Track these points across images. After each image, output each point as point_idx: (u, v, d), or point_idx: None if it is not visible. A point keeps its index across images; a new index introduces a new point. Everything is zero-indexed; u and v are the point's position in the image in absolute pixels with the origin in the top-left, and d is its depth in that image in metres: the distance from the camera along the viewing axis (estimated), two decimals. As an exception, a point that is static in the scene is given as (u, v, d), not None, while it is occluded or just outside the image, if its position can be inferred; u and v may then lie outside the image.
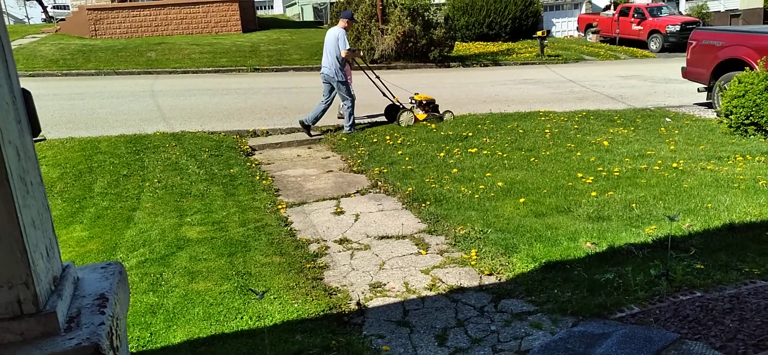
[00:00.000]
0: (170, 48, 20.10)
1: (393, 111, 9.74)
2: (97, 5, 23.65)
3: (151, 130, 8.97)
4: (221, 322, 3.53)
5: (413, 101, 9.80)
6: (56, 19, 29.35)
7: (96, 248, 4.72)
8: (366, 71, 9.92)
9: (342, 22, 9.12)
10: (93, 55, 18.68)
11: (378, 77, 9.72)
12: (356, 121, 9.35)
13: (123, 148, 7.91)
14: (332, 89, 9.04)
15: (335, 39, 8.85)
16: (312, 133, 9.16)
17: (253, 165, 7.48)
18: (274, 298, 3.80)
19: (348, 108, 9.06)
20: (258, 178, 6.81)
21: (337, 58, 8.82)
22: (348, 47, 8.87)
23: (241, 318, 3.56)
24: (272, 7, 63.11)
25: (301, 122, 9.08)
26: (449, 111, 9.86)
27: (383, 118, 9.89)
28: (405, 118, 9.44)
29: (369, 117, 9.80)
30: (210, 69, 17.41)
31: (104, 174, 6.83)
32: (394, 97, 9.69)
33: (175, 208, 5.70)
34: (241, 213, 5.51)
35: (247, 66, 17.82)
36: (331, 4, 35.10)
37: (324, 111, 9.10)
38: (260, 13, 45.71)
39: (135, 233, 5.04)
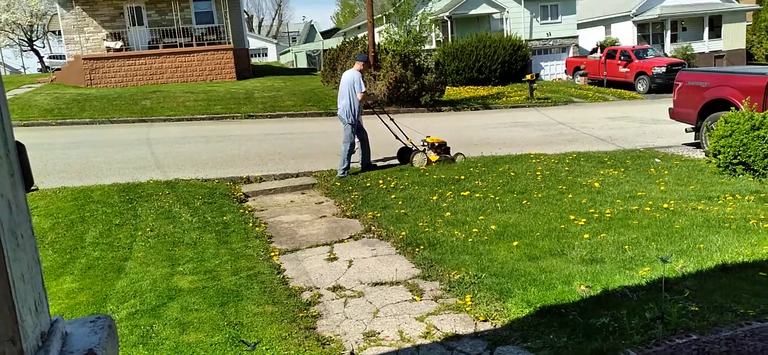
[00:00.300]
0: (165, 96, 20.26)
1: (406, 153, 9.99)
2: (93, 55, 23.92)
3: (145, 179, 8.97)
4: (213, 374, 3.47)
5: (425, 143, 10.01)
6: (52, 68, 29.62)
7: (86, 300, 4.67)
8: (380, 115, 10.25)
9: (357, 65, 9.38)
10: (88, 104, 18.79)
11: (393, 119, 10.09)
12: (372, 162, 9.61)
13: (116, 197, 7.89)
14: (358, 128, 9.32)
15: (351, 82, 9.12)
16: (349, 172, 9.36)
17: (247, 212, 7.47)
18: (266, 349, 3.75)
19: (345, 151, 9.19)
20: (251, 225, 6.79)
21: (351, 101, 9.09)
22: (364, 90, 9.18)
23: (233, 370, 3.51)
24: (266, 55, 63.99)
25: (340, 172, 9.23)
26: (460, 153, 10.10)
27: (396, 161, 10.15)
28: (418, 159, 9.65)
29: (383, 160, 10.06)
30: (204, 116, 17.53)
31: (96, 224, 6.80)
32: (408, 139, 9.99)
33: (167, 257, 5.66)
34: (233, 261, 5.48)
35: (241, 113, 17.95)
36: (325, 51, 35.62)
37: (352, 151, 9.36)
38: (254, 60, 46.32)
39: (126, 283, 5.00)
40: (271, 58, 62.60)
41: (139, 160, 10.81)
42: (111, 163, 10.56)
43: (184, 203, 7.59)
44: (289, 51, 56.15)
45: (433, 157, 9.76)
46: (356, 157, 9.66)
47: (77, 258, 5.69)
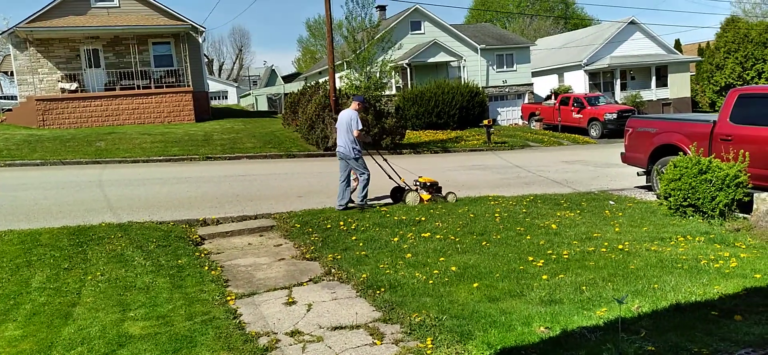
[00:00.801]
0: (120, 137, 19.84)
1: (398, 192, 10.26)
2: (46, 95, 23.34)
3: (97, 221, 8.68)
4: (164, 425, 3.31)
5: (418, 183, 10.30)
6: (3, 109, 28.69)
7: (29, 348, 4.42)
8: (374, 156, 10.53)
9: (354, 105, 9.78)
10: (39, 146, 18.22)
11: (386, 160, 10.44)
12: (366, 202, 9.69)
13: (65, 240, 7.60)
14: (347, 166, 9.68)
15: (349, 120, 9.52)
16: (350, 206, 9.69)
17: (202, 255, 7.29)
18: (222, 396, 3.61)
19: (364, 181, 9.59)
20: (207, 268, 6.62)
21: (349, 138, 9.48)
22: (360, 128, 9.55)
23: (186, 420, 3.35)
24: (226, 98, 63.72)
25: (340, 206, 9.59)
26: (452, 192, 10.35)
27: (389, 200, 10.34)
28: (411, 197, 9.88)
29: (376, 199, 10.27)
30: (161, 158, 17.20)
31: (43, 268, 6.51)
32: (400, 178, 10.31)
33: (118, 302, 5.45)
34: (187, 306, 5.30)
35: (199, 155, 17.70)
36: (286, 94, 35.67)
37: (346, 188, 9.71)
38: (214, 102, 46.04)
39: (73, 330, 4.77)
40: (232, 101, 62.34)
41: (91, 203, 10.48)
42: (61, 206, 10.20)
43: (138, 246, 7.36)
44: (249, 94, 56.06)
45: (426, 196, 10.01)
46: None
47: (22, 304, 5.41)
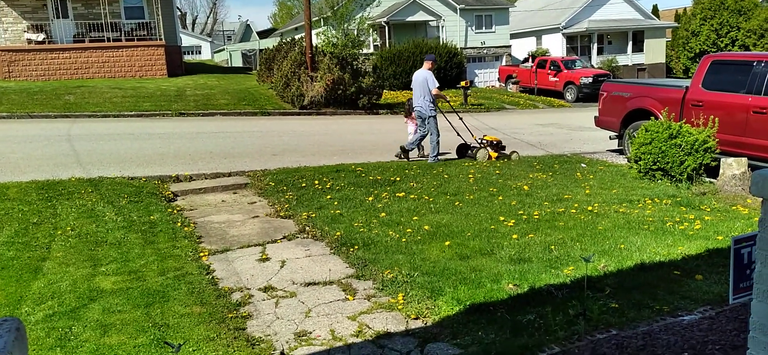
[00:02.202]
0: (90, 91, 19.36)
1: (464, 149, 10.85)
2: (12, 47, 22.56)
3: (66, 176, 8.52)
4: (135, 377, 3.33)
5: (483, 141, 10.72)
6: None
7: (-3, 302, 4.38)
8: (447, 114, 10.98)
9: (427, 64, 10.14)
10: (5, 98, 17.69)
11: (461, 119, 11.03)
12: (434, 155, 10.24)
13: (34, 194, 7.46)
14: (422, 123, 10.20)
15: (424, 80, 9.96)
16: (409, 157, 10.43)
17: (175, 211, 7.23)
18: (194, 350, 3.64)
19: (434, 140, 10.11)
20: (179, 224, 6.58)
21: (427, 98, 9.92)
22: (437, 85, 10.05)
23: (158, 372, 3.38)
24: (200, 53, 62.36)
25: (402, 148, 10.43)
26: (515, 151, 10.83)
27: (453, 156, 10.93)
28: (482, 154, 10.42)
29: (441, 155, 10.63)
30: (132, 113, 16.86)
31: (11, 222, 6.40)
32: (473, 136, 10.90)
33: (89, 257, 5.40)
34: (160, 261, 5.29)
35: (172, 110, 17.39)
36: (261, 51, 35.08)
37: (421, 138, 10.41)
38: (187, 57, 45.03)
39: (43, 284, 4.73)
40: (205, 56, 61.06)
41: (60, 157, 10.27)
42: (29, 160, 9.98)
43: (108, 202, 7.27)
44: (223, 50, 54.98)
45: (493, 153, 10.48)
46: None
47: (-12, 258, 5.33)
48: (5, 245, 5.68)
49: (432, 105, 9.99)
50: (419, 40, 28.89)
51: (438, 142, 10.20)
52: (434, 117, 10.04)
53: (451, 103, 11.34)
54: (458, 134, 10.83)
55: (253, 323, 4.11)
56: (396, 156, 10.57)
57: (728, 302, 3.29)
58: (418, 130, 10.36)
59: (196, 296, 4.50)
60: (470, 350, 3.63)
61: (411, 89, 10.59)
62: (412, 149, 10.44)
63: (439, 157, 10.30)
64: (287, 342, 3.82)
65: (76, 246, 5.70)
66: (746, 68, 8.89)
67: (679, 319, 4.02)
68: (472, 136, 10.90)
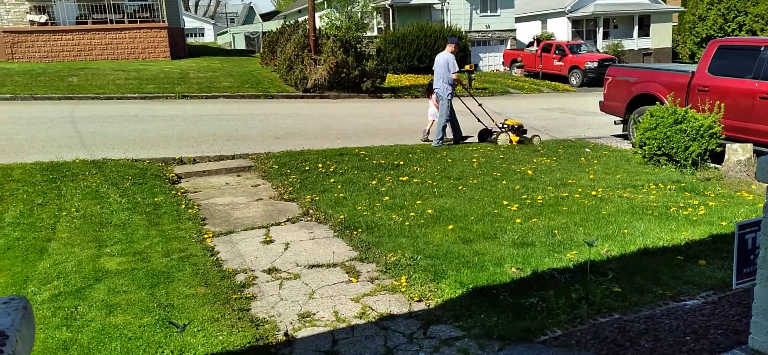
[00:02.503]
0: (93, 73, 19.33)
1: (486, 134, 10.88)
2: (15, 27, 22.51)
3: (70, 158, 8.54)
4: (140, 357, 3.36)
5: (505, 126, 10.69)
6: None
7: (4, 282, 4.41)
8: (462, 99, 11.10)
9: (450, 47, 10.25)
10: (9, 79, 17.68)
11: (481, 105, 11.06)
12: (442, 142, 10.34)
13: (38, 176, 7.49)
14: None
15: (445, 62, 10.06)
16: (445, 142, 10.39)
17: (179, 193, 7.25)
18: (198, 330, 3.66)
19: (443, 123, 10.18)
20: (184, 206, 6.60)
21: (446, 80, 10.02)
22: (457, 70, 10.17)
23: (162, 352, 3.41)
24: (203, 35, 62.17)
25: (427, 138, 10.60)
26: (537, 135, 10.84)
27: (475, 140, 10.95)
28: (502, 139, 10.42)
29: (463, 139, 10.83)
30: (136, 95, 16.84)
31: (16, 203, 6.43)
32: (493, 121, 10.91)
33: (94, 238, 5.43)
34: (164, 243, 5.31)
35: (175, 93, 17.36)
36: (264, 33, 34.95)
37: (448, 121, 10.36)
38: (190, 40, 44.89)
39: (49, 264, 4.76)
40: (208, 38, 60.87)
41: (64, 139, 10.29)
42: (33, 141, 10.00)
43: (113, 184, 7.29)
44: (226, 32, 54.74)
45: (515, 137, 10.45)
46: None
47: (-6, 239, 5.36)
48: (11, 226, 5.72)
49: (450, 88, 10.06)
50: (423, 23, 28.72)
51: (444, 127, 10.23)
52: (449, 101, 10.09)
53: (468, 89, 11.33)
54: (478, 120, 10.92)
55: (257, 304, 4.14)
56: (422, 140, 10.76)
57: (731, 287, 3.29)
58: (438, 118, 10.44)
59: (201, 278, 4.52)
60: (473, 333, 3.65)
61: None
62: (441, 138, 10.33)
63: (443, 142, 10.31)
64: (291, 323, 3.84)
65: (81, 227, 5.73)
66: (753, 53, 8.82)
67: (682, 304, 4.03)
68: (493, 121, 10.92)
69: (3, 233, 5.51)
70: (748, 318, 2.83)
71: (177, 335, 3.56)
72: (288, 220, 6.22)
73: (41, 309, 3.92)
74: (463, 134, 10.74)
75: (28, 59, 22.10)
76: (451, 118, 10.38)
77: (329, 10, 25.91)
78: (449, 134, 10.50)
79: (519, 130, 10.72)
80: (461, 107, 10.75)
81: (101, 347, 3.46)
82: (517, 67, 30.96)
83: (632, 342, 3.50)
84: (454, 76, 10.04)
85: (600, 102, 11.94)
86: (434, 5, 32.52)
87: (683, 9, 40.19)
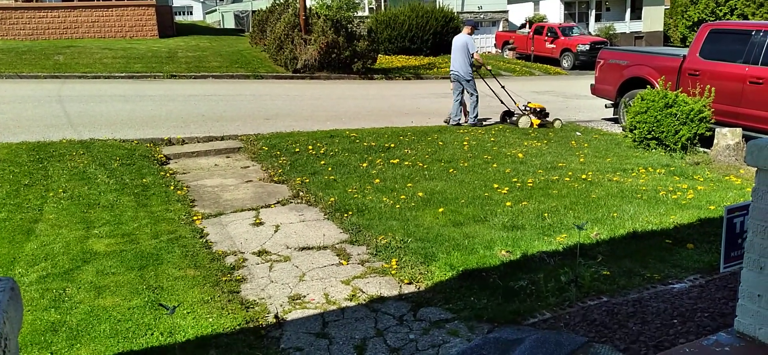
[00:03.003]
0: (80, 52, 19.08)
1: (508, 116, 10.98)
2: (-1, 4, 22.13)
3: (57, 138, 8.44)
4: (130, 339, 3.35)
5: (527, 108, 10.80)
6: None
7: (-10, 263, 4.37)
8: (488, 79, 11.33)
9: (467, 29, 10.65)
10: (-8, 57, 17.42)
11: (504, 87, 11.14)
12: (477, 120, 10.65)
13: (25, 156, 7.40)
14: (460, 87, 10.48)
15: (464, 44, 10.36)
16: (462, 123, 10.63)
17: (168, 174, 7.19)
18: (188, 313, 3.65)
19: (474, 102, 10.51)
20: (172, 188, 6.55)
21: (466, 62, 10.33)
22: (476, 50, 10.47)
23: (152, 334, 3.40)
24: (192, 14, 61.48)
25: (446, 122, 10.67)
26: (559, 119, 10.84)
27: (495, 121, 11.16)
28: (523, 121, 10.51)
29: (484, 120, 11.06)
30: (123, 75, 16.65)
31: (3, 183, 6.35)
32: (515, 103, 11.00)
33: (82, 219, 5.38)
34: (153, 224, 5.27)
35: (163, 72, 17.18)
36: (254, 12, 34.59)
37: (459, 107, 10.58)
38: (179, 18, 44.38)
39: (36, 246, 4.71)
40: (197, 17, 60.18)
41: (51, 118, 10.16)
42: (19, 120, 9.87)
43: (100, 164, 7.22)
44: (215, 10, 54.09)
45: (536, 120, 10.53)
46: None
47: (-20, 219, 5.30)
48: (-3, 206, 5.65)
49: (470, 69, 10.38)
50: (415, 3, 28.50)
51: (476, 103, 10.59)
52: (471, 80, 10.41)
53: (491, 71, 11.38)
54: (501, 101, 11.07)
55: (247, 287, 4.13)
56: (445, 122, 10.82)
57: (719, 271, 3.32)
58: (454, 100, 10.54)
59: (190, 259, 4.50)
60: (462, 315, 3.67)
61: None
62: (458, 120, 10.55)
63: (478, 118, 10.69)
64: (281, 306, 3.84)
65: (69, 208, 5.68)
66: (744, 38, 8.84)
67: (670, 287, 4.06)
68: (515, 103, 10.98)
69: (-11, 214, 5.44)
70: (735, 301, 2.86)
71: (167, 317, 3.54)
72: (278, 202, 6.19)
73: (29, 291, 3.89)
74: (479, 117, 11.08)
75: (13, 37, 21.77)
76: (460, 100, 10.62)
77: (320, -11, 25.64)
78: (470, 116, 10.63)
79: (541, 113, 10.76)
80: (484, 88, 10.88)
81: (90, 328, 3.44)
82: (509, 50, 30.87)
83: (620, 325, 3.53)
84: (475, 57, 10.41)
85: (591, 85, 11.94)
86: (426, -14, 32.26)
87: (675, -8, 40.15)
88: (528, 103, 11.09)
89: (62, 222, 5.29)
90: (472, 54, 10.39)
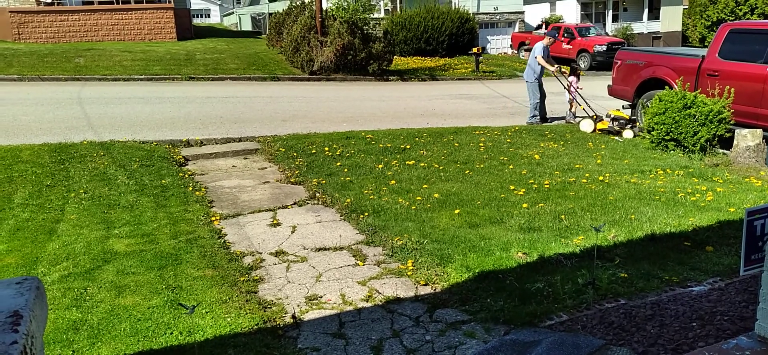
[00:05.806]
0: (100, 54, 19.35)
1: (595, 121, 10.83)
2: (21, 7, 22.50)
3: (78, 139, 8.58)
4: (150, 338, 3.40)
5: (609, 116, 10.60)
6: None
7: (15, 262, 4.46)
8: (561, 77, 11.63)
9: (546, 40, 11.50)
10: (16, 60, 17.72)
11: (578, 90, 11.53)
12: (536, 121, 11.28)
13: (47, 157, 7.53)
14: (530, 87, 11.33)
15: (534, 48, 11.34)
16: (547, 121, 11.56)
17: (186, 176, 7.28)
18: (206, 312, 3.70)
19: (534, 103, 11.32)
20: (191, 189, 6.63)
21: (531, 65, 11.17)
22: (542, 55, 11.11)
23: (171, 333, 3.45)
24: (209, 16, 61.98)
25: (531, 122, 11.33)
26: (630, 127, 10.27)
27: (562, 120, 11.67)
28: (584, 125, 10.58)
29: (550, 119, 11.72)
30: (142, 77, 16.86)
31: (25, 184, 6.47)
32: (591, 109, 10.90)
33: (102, 220, 5.47)
34: (172, 225, 5.34)
35: (181, 75, 17.36)
36: (270, 14, 34.79)
37: (537, 104, 11.36)
38: (196, 21, 44.76)
39: (58, 246, 4.80)
40: (214, 20, 60.67)
41: (72, 120, 10.32)
42: (41, 122, 10.04)
43: (120, 165, 7.32)
44: (233, 13, 54.50)
45: (602, 125, 10.34)
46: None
47: (5, 219, 5.41)
48: (20, 207, 5.76)
49: (533, 72, 11.11)
50: (431, 5, 28.46)
51: (535, 105, 11.30)
52: (533, 83, 11.19)
53: (554, 73, 11.36)
54: (585, 106, 11.04)
55: (265, 287, 4.17)
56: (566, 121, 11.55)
57: (739, 274, 3.29)
58: (530, 101, 11.39)
59: (208, 260, 4.56)
60: (479, 317, 3.67)
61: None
62: (535, 117, 11.27)
63: (535, 120, 11.27)
64: (298, 306, 3.87)
65: (89, 209, 5.77)
66: (765, 37, 8.71)
67: (688, 290, 4.03)
68: (589, 107, 10.83)
69: (13, 214, 5.56)
70: (755, 305, 2.83)
71: (185, 316, 3.59)
72: (295, 203, 6.24)
73: (51, 290, 3.96)
74: (547, 116, 11.73)
75: (35, 40, 22.13)
76: (569, 98, 11.53)
77: (336, -9, 25.71)
78: (528, 116, 11.36)
79: (625, 122, 10.02)
80: (560, 89, 11.53)
81: (111, 327, 3.50)
82: (526, 50, 30.69)
83: (638, 327, 3.50)
84: (538, 60, 11.07)
85: (608, 86, 11.84)
86: (442, -13, 32.21)
87: (694, -9, 39.65)
88: (610, 111, 10.60)
89: (83, 222, 5.38)
90: (537, 57, 11.06)
